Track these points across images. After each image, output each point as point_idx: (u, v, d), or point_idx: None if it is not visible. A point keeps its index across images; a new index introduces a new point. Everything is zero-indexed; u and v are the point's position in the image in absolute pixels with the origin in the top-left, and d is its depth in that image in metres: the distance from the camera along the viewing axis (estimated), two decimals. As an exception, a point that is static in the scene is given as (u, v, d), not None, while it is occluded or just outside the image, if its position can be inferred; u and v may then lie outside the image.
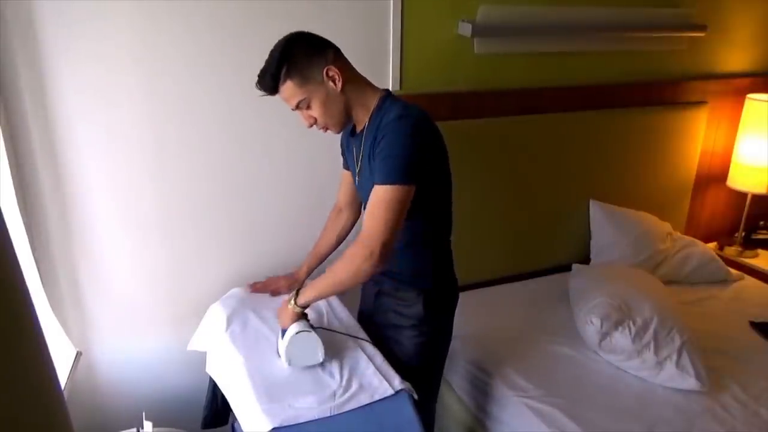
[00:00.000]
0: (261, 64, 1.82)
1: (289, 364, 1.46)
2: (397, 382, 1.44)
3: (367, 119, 1.45)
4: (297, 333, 1.44)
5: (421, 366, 1.60)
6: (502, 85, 2.21)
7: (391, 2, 1.92)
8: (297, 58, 1.38)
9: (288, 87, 1.39)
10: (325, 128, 1.47)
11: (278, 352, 1.51)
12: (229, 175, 1.90)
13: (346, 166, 1.70)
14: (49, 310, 1.66)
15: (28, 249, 1.61)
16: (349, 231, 1.82)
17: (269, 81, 1.39)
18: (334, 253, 1.83)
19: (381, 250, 1.31)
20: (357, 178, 1.56)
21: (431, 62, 2.06)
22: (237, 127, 1.86)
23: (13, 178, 1.58)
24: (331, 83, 1.39)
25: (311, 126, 1.47)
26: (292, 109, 1.45)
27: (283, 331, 1.48)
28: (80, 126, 1.67)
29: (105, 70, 1.65)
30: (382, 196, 1.32)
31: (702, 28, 2.48)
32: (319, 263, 1.83)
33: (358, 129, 1.50)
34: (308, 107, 1.42)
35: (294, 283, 1.79)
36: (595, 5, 2.27)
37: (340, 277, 1.38)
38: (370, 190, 1.37)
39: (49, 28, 1.56)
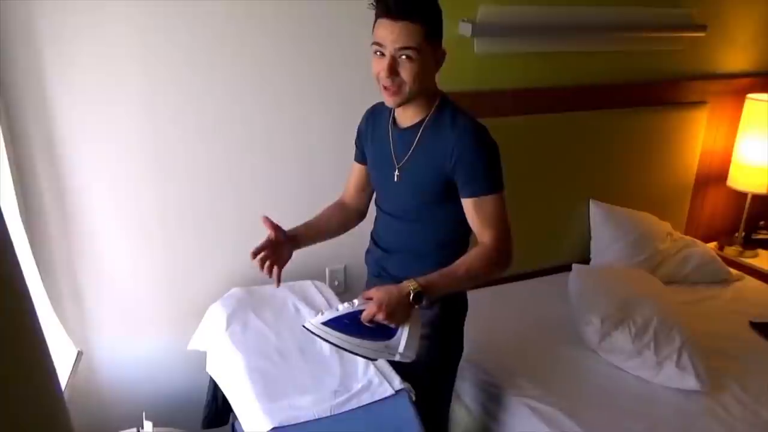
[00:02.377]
0: (260, 65, 1.83)
1: (399, 359, 1.33)
2: (397, 383, 1.44)
3: (423, 116, 1.39)
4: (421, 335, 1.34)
5: (438, 374, 1.56)
6: (502, 85, 2.21)
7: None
8: (439, 17, 1.30)
9: (416, 27, 1.24)
10: (398, 89, 1.31)
11: (371, 351, 1.32)
12: (229, 174, 1.90)
13: (361, 160, 1.59)
14: (50, 309, 1.66)
15: (28, 249, 1.61)
16: (352, 227, 1.66)
17: (410, 2, 1.24)
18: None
19: (512, 253, 1.38)
20: (396, 169, 1.44)
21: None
22: (237, 127, 1.86)
23: (13, 178, 1.58)
24: (435, 63, 1.34)
25: (389, 77, 1.28)
26: (385, 49, 1.27)
27: (392, 329, 1.29)
28: (80, 126, 1.67)
29: (105, 70, 1.65)
30: (492, 205, 1.36)
31: (702, 28, 2.48)
32: (313, 243, 1.58)
33: (407, 123, 1.42)
34: (408, 60, 1.27)
35: (292, 249, 1.50)
36: (595, 5, 2.27)
37: (477, 273, 1.34)
38: (415, 184, 1.41)
39: (49, 29, 1.56)
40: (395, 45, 1.26)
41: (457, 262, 1.34)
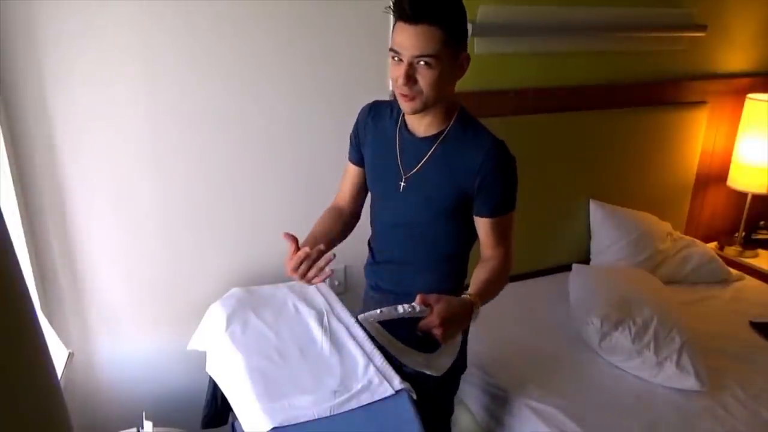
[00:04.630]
0: (261, 65, 1.83)
1: (431, 372, 1.34)
2: (397, 382, 1.43)
3: (442, 127, 1.34)
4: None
5: (439, 384, 1.50)
6: (502, 85, 2.21)
7: (392, 2, 1.91)
8: (461, 19, 1.22)
9: (436, 32, 1.16)
10: (414, 98, 1.24)
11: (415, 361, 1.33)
12: (229, 174, 1.90)
13: (357, 162, 1.51)
14: (39, 311, 1.66)
15: (25, 249, 1.61)
16: (349, 233, 1.56)
17: (429, 4, 1.16)
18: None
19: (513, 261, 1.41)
20: (402, 184, 1.38)
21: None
22: (237, 127, 1.86)
23: (13, 178, 1.58)
24: (458, 70, 1.27)
25: (405, 85, 1.22)
26: (402, 55, 1.20)
27: (430, 342, 1.25)
28: (80, 126, 1.67)
29: (105, 70, 1.65)
30: (507, 223, 1.38)
31: (702, 28, 2.48)
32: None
33: (422, 132, 1.35)
34: (427, 67, 1.20)
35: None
36: (595, 5, 2.27)
37: (499, 288, 1.38)
38: (427, 196, 1.36)
39: (49, 29, 1.56)
40: (412, 52, 1.19)
41: (485, 276, 1.34)
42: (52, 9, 1.55)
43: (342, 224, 1.53)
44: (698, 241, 2.57)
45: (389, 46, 1.24)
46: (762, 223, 2.93)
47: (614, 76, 2.44)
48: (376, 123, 1.45)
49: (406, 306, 1.20)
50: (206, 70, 1.77)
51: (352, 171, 1.54)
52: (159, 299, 1.92)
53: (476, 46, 2.11)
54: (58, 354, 1.70)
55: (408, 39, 1.18)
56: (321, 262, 1.27)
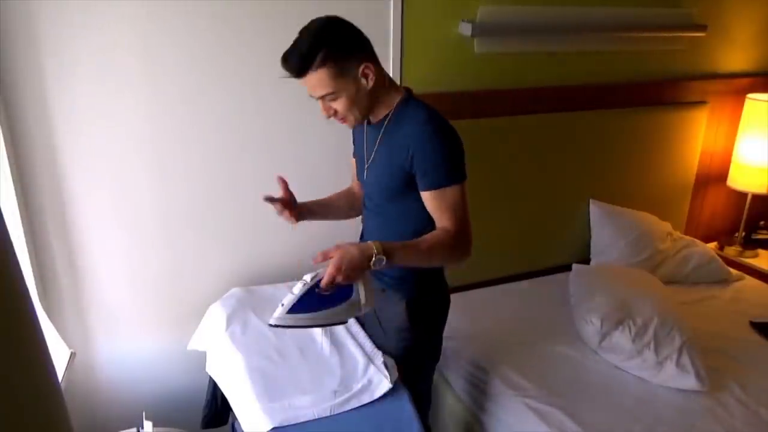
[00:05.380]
0: (261, 65, 1.83)
1: (365, 311, 1.34)
2: (391, 374, 1.44)
3: (387, 113, 1.43)
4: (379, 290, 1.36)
5: (419, 361, 1.59)
6: (503, 85, 2.21)
7: (391, 2, 1.92)
8: (337, 47, 1.31)
9: (319, 75, 1.30)
10: (344, 120, 1.41)
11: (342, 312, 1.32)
12: (229, 175, 1.90)
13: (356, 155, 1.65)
14: (41, 311, 1.65)
15: (25, 249, 1.61)
16: (358, 211, 1.70)
17: (298, 62, 1.30)
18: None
19: (471, 240, 1.40)
20: (366, 164, 1.51)
21: (431, 62, 2.07)
22: (237, 127, 1.86)
23: (13, 177, 1.58)
24: (363, 80, 1.35)
25: (329, 117, 1.40)
26: (315, 98, 1.37)
27: (345, 287, 1.29)
28: (80, 127, 1.67)
29: (106, 70, 1.65)
30: (450, 195, 1.36)
31: (702, 28, 2.48)
32: (320, 216, 1.69)
33: (375, 120, 1.46)
34: (333, 99, 1.35)
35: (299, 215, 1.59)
36: (595, 5, 2.27)
37: (437, 253, 1.35)
38: (378, 177, 1.47)
39: (49, 29, 1.56)
40: (315, 95, 1.35)
41: (420, 238, 1.35)
42: (52, 9, 1.55)
43: (351, 199, 1.71)
44: (698, 241, 2.57)
45: None
46: (762, 223, 2.93)
47: (614, 76, 2.44)
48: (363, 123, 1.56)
49: (298, 284, 1.26)
50: (206, 69, 1.77)
51: (353, 162, 1.67)
52: (159, 299, 1.92)
53: (476, 46, 2.11)
54: (60, 354, 1.70)
55: (307, 87, 1.35)
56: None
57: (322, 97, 1.35)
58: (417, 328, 1.53)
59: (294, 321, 1.26)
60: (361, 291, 1.30)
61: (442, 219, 1.38)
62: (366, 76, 1.34)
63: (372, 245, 1.25)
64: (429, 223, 1.46)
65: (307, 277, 1.26)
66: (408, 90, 1.46)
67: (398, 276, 1.52)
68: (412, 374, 1.56)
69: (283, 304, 1.26)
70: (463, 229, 1.37)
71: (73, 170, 1.70)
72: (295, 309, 1.26)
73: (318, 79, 1.31)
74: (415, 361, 1.57)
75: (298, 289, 1.26)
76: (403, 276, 1.51)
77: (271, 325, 1.26)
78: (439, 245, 1.34)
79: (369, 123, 1.49)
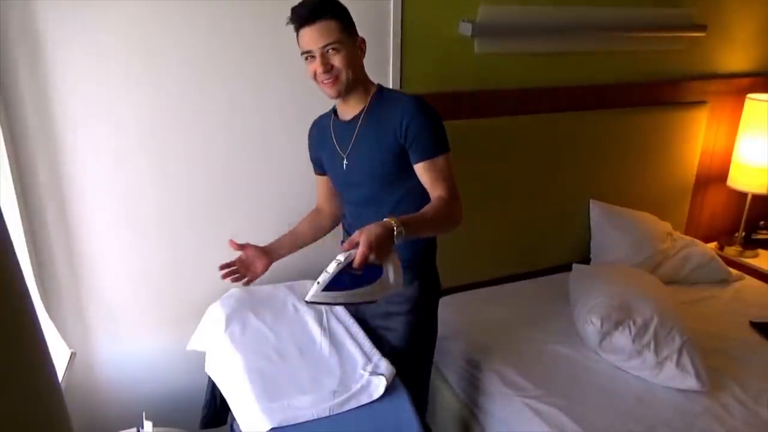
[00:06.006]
0: (261, 65, 1.83)
1: (397, 289, 1.35)
2: (388, 373, 1.44)
3: (362, 106, 1.53)
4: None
5: (414, 349, 1.63)
6: (502, 85, 2.21)
7: (391, 2, 1.92)
8: (344, 12, 1.45)
9: (330, 24, 1.40)
10: (336, 79, 1.45)
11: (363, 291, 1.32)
12: (229, 175, 1.90)
13: (319, 172, 1.76)
14: (43, 310, 1.66)
15: (25, 249, 1.61)
16: (328, 230, 1.85)
17: (313, 8, 1.40)
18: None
19: (462, 208, 1.46)
20: (345, 162, 1.57)
21: (431, 62, 2.07)
22: (237, 128, 1.86)
23: (13, 178, 1.58)
24: (359, 51, 1.49)
25: (325, 72, 1.44)
26: (314, 51, 1.42)
27: (375, 268, 1.31)
28: (80, 126, 1.67)
29: (106, 70, 1.66)
30: (442, 164, 1.47)
31: (702, 28, 2.48)
32: (290, 251, 1.82)
33: (350, 116, 1.55)
34: (336, 51, 1.42)
35: (268, 263, 1.76)
36: (595, 5, 2.27)
37: (440, 219, 1.41)
38: (366, 169, 1.53)
39: (50, 28, 1.56)
40: (320, 44, 1.41)
41: (424, 208, 1.41)
42: (52, 9, 1.55)
43: (315, 221, 1.83)
44: (698, 241, 2.57)
45: (300, 52, 1.46)
46: (762, 223, 2.93)
47: (614, 76, 2.44)
48: (319, 132, 1.68)
49: (333, 264, 1.28)
50: (207, 69, 1.77)
51: (319, 179, 1.79)
52: (159, 299, 1.92)
53: (476, 46, 2.11)
54: (61, 354, 1.70)
55: (312, 37, 1.41)
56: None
57: (324, 48, 1.41)
58: (425, 303, 1.62)
59: (328, 298, 1.29)
60: (390, 270, 1.33)
61: (437, 188, 1.46)
62: (362, 48, 1.50)
63: (389, 219, 1.29)
64: (420, 207, 1.50)
65: (341, 257, 1.28)
66: (379, 85, 1.57)
67: (413, 251, 1.58)
68: (419, 353, 1.65)
69: (318, 282, 1.29)
70: (456, 196, 1.46)
71: (73, 170, 1.70)
72: (329, 287, 1.28)
73: (328, 28, 1.40)
74: (422, 338, 1.64)
75: (332, 268, 1.28)
76: (417, 251, 1.60)
77: (307, 302, 1.29)
78: (441, 213, 1.41)
79: (339, 120, 1.58)
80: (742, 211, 2.79)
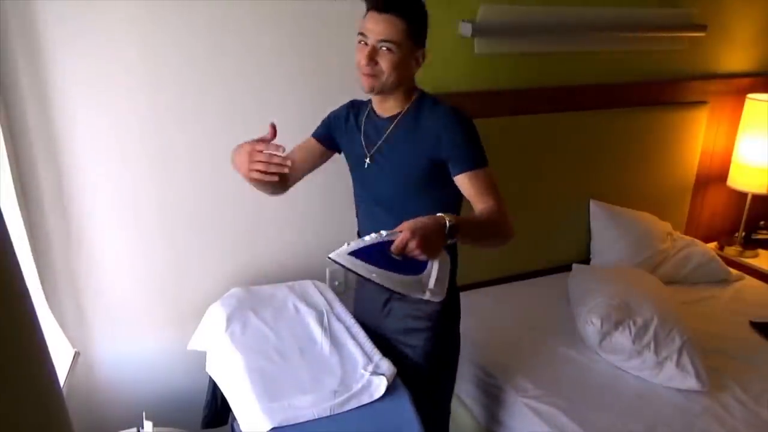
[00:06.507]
0: (261, 65, 1.83)
1: (429, 297, 1.27)
2: (389, 373, 1.44)
3: (401, 109, 1.46)
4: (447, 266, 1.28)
5: (438, 366, 1.58)
6: (502, 85, 2.21)
7: (391, 2, 1.92)
8: (423, 20, 1.39)
9: (399, 22, 1.33)
10: (374, 77, 1.37)
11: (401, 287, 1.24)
12: (230, 175, 1.88)
13: (322, 138, 1.63)
14: (47, 309, 1.66)
15: (28, 249, 1.61)
16: (277, 189, 1.62)
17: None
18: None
19: (512, 224, 1.40)
20: (367, 161, 1.51)
21: (431, 62, 2.05)
22: (238, 127, 1.86)
23: (13, 178, 1.58)
24: (414, 61, 1.41)
25: (368, 65, 1.35)
26: (368, 39, 1.35)
27: (419, 264, 1.22)
28: (81, 126, 1.67)
29: (106, 70, 1.65)
30: (487, 177, 1.41)
31: (702, 28, 2.48)
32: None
33: (386, 113, 1.48)
34: (388, 51, 1.34)
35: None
36: (595, 5, 2.27)
37: (492, 228, 1.36)
38: (392, 172, 1.46)
39: (49, 28, 1.56)
40: (377, 36, 1.34)
41: (474, 213, 1.36)
42: (52, 9, 1.55)
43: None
44: (698, 241, 2.57)
45: (357, 30, 1.37)
46: (762, 223, 2.93)
47: (614, 76, 2.44)
48: (353, 116, 1.58)
49: (373, 234, 1.18)
50: (207, 69, 1.77)
51: (311, 142, 1.65)
52: (159, 299, 1.92)
53: (476, 46, 2.11)
54: (65, 353, 1.70)
55: (375, 25, 1.34)
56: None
57: (379, 42, 1.34)
58: (447, 318, 1.56)
59: (350, 264, 1.17)
60: (434, 271, 1.22)
61: (484, 199, 1.39)
62: (418, 60, 1.42)
63: (442, 215, 1.22)
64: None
65: (383, 232, 1.17)
66: (423, 90, 1.51)
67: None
68: (443, 369, 1.60)
69: (348, 244, 1.18)
70: (505, 209, 1.39)
71: (73, 171, 1.70)
72: (358, 254, 1.17)
73: (395, 25, 1.33)
74: (445, 353, 1.60)
75: (370, 237, 1.18)
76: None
77: (329, 258, 1.18)
78: (494, 221, 1.36)
79: (375, 115, 1.51)
80: (742, 211, 2.79)
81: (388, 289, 1.25)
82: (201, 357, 1.76)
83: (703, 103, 2.65)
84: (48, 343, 0.66)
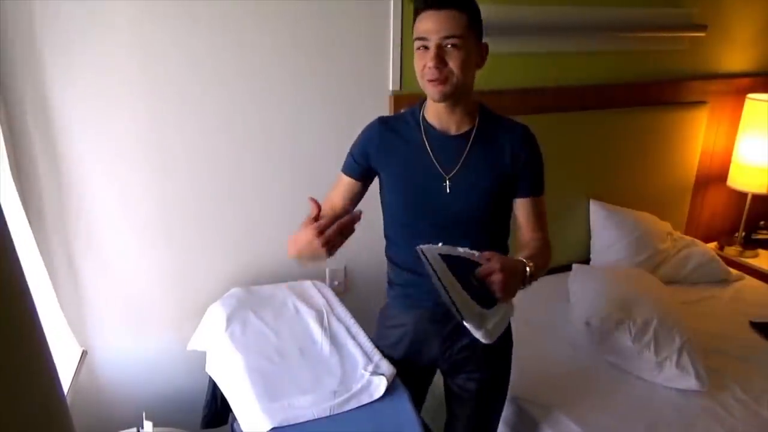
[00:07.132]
0: (261, 65, 1.83)
1: (481, 336, 1.23)
2: (389, 373, 1.44)
3: (471, 125, 1.36)
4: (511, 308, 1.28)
5: (487, 392, 1.53)
6: (502, 85, 2.21)
7: (391, 2, 1.92)
8: (478, 10, 1.28)
9: (460, 17, 1.22)
10: (445, 80, 1.25)
11: (470, 322, 1.20)
12: (230, 175, 1.90)
13: (355, 175, 1.44)
14: (57, 308, 1.65)
15: (35, 248, 1.60)
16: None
17: None
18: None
19: None
20: (448, 184, 1.35)
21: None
22: (238, 127, 1.86)
23: (13, 178, 1.58)
24: (479, 59, 1.31)
25: (436, 68, 1.23)
26: (430, 41, 1.22)
27: (489, 298, 1.19)
28: (81, 126, 1.67)
29: (106, 70, 1.65)
30: (544, 206, 1.41)
31: (702, 28, 2.48)
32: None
33: (454, 130, 1.36)
34: (455, 48, 1.23)
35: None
36: (595, 5, 2.27)
37: (544, 268, 1.35)
38: (470, 196, 1.35)
39: (49, 29, 1.56)
40: (441, 34, 1.22)
41: (533, 252, 1.32)
42: (52, 9, 1.55)
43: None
44: (698, 241, 2.57)
45: (414, 37, 1.26)
46: (762, 223, 2.93)
47: (614, 76, 2.44)
48: (394, 135, 1.40)
49: (466, 248, 1.20)
50: (207, 69, 1.77)
51: (348, 183, 1.45)
52: (159, 299, 1.92)
53: (476, 46, 2.11)
54: (72, 352, 1.70)
55: (435, 23, 1.22)
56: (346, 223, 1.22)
57: (444, 40, 1.22)
58: (505, 349, 1.54)
59: (435, 263, 1.16)
60: (497, 315, 1.21)
61: (537, 227, 1.39)
62: (482, 57, 1.32)
63: (524, 261, 1.23)
64: (503, 243, 1.45)
65: (476, 252, 1.20)
66: (481, 102, 1.42)
67: None
68: (483, 410, 1.55)
69: (442, 244, 1.20)
70: (549, 240, 1.41)
71: (74, 171, 1.70)
72: (445, 258, 1.17)
73: (456, 19, 1.22)
74: (489, 394, 1.54)
75: (462, 250, 1.20)
76: None
77: (418, 248, 1.18)
78: (548, 258, 1.36)
79: (440, 132, 1.36)
80: (742, 211, 2.79)
81: (449, 308, 1.19)
82: (201, 357, 1.76)
83: (703, 103, 2.65)
84: (53, 342, 0.66)
